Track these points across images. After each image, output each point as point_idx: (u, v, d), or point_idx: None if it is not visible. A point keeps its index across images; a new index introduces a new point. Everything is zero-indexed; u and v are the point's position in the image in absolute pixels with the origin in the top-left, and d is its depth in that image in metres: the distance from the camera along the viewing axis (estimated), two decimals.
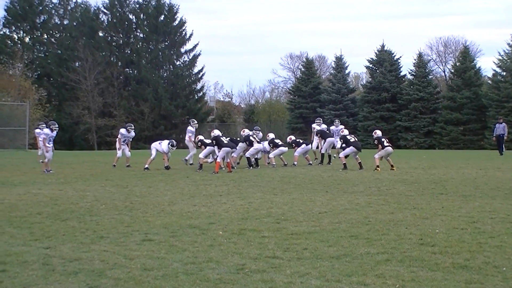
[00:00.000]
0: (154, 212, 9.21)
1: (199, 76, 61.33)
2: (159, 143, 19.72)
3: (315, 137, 21.64)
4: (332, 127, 23.32)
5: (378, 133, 18.57)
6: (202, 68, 61.09)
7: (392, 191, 11.91)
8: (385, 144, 17.95)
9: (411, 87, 49.04)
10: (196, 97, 61.46)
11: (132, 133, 21.02)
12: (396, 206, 9.63)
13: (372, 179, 14.61)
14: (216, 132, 18.79)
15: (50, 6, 59.05)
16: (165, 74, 61.40)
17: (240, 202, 10.39)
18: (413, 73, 49.77)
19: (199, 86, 62.49)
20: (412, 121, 47.66)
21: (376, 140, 18.20)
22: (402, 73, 51.73)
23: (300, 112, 54.16)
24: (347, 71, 55.38)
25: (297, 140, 21.13)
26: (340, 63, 53.93)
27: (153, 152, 19.51)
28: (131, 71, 60.56)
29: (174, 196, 11.40)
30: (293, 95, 58.22)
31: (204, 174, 16.74)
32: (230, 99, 73.42)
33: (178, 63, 60.92)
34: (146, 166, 19.04)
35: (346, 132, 19.94)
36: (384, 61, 50.61)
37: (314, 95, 54.78)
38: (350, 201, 10.28)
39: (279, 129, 58.54)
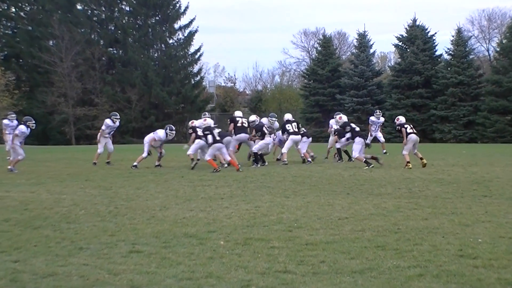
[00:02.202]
0: (143, 219, 9.22)
1: (196, 57, 61.42)
2: (154, 134, 19.70)
3: (331, 136, 21.81)
4: (372, 118, 23.39)
5: (401, 119, 18.96)
6: (200, 48, 61.24)
7: (425, 193, 11.88)
8: (408, 130, 18.14)
9: (448, 69, 48.93)
10: (193, 82, 61.56)
11: (117, 123, 21.03)
12: (431, 211, 9.60)
13: (402, 179, 14.58)
14: (209, 121, 18.94)
15: None
16: (155, 55, 61.53)
17: (245, 206, 10.38)
18: (450, 52, 49.66)
19: (196, 69, 62.68)
20: (450, 110, 47.57)
21: (398, 127, 18.45)
22: (437, 53, 51.62)
23: (316, 100, 54.18)
24: (371, 51, 55.37)
25: (263, 129, 20.08)
26: (363, 41, 53.88)
27: (146, 149, 19.52)
28: (115, 52, 60.73)
29: (167, 200, 11.41)
30: (308, 79, 58.19)
31: (203, 173, 16.75)
32: (233, 84, 73.42)
33: (171, 41, 61.06)
34: (135, 164, 19.12)
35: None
36: (416, 39, 50.51)
37: (332, 79, 54.75)
38: (376, 205, 10.25)
39: None
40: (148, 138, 19.68)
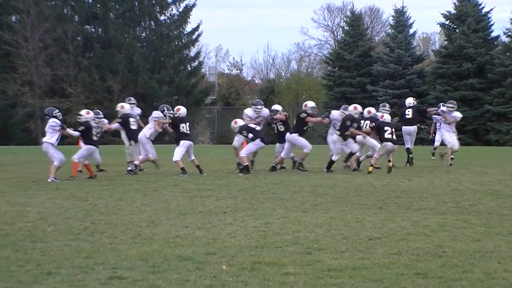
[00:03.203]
0: (126, 237, 9.23)
1: (194, 37, 61.65)
2: (151, 123, 19.92)
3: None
4: (443, 108, 22.89)
5: (373, 111, 20.22)
6: (198, 26, 61.39)
7: (477, 208, 11.84)
8: (386, 136, 18.76)
9: (507, 54, 48.82)
10: (189, 69, 61.76)
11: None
12: (484, 230, 9.57)
13: (447, 191, 14.54)
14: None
15: None
16: (143, 35, 61.73)
17: (253, 222, 10.38)
18: (510, 33, 49.48)
19: (193, 52, 62.88)
20: (509, 105, 47.44)
21: (372, 124, 19.37)
22: (493, 34, 51.49)
23: (342, 91, 54.23)
24: (411, 31, 55.28)
25: (249, 126, 19.91)
26: (401, 20, 53.87)
27: (149, 148, 19.72)
28: (93, 30, 60.89)
29: (157, 214, 11.42)
30: (332, 66, 58.25)
31: (201, 181, 16.76)
32: (239, 71, 73.49)
33: (162, 18, 61.30)
34: (137, 163, 19.52)
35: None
36: (467, 17, 50.43)
37: (362, 66, 54.78)
38: (416, 223, 10.23)
39: None
40: (144, 133, 19.85)
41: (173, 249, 8.35)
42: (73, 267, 7.42)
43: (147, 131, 19.72)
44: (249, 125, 19.67)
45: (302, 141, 19.56)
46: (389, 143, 18.74)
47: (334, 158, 19.55)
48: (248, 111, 20.73)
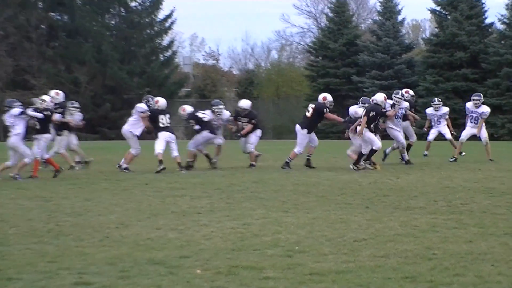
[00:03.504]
0: (94, 240, 9.20)
1: (167, 25, 61.53)
2: (137, 113, 20.00)
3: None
4: (469, 104, 22.98)
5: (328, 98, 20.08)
6: (172, 13, 61.33)
7: (470, 207, 11.89)
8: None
9: (503, 42, 49.11)
10: (162, 59, 61.68)
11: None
12: (477, 230, 9.62)
13: (438, 188, 14.61)
14: (162, 103, 19.79)
15: None
16: (112, 22, 61.53)
17: (230, 223, 10.38)
18: (505, 20, 49.75)
19: (166, 41, 62.78)
20: (504, 97, 47.76)
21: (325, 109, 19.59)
22: (487, 21, 51.79)
23: (325, 83, 54.40)
24: (400, 18, 55.50)
25: (197, 115, 20.17)
26: (389, 5, 54.11)
27: (133, 143, 19.81)
28: (59, 17, 60.61)
29: (127, 214, 11.39)
30: (315, 56, 58.32)
31: (174, 179, 16.74)
32: (215, 61, 73.46)
33: (133, 4, 61.10)
34: (125, 166, 19.50)
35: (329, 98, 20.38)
36: (459, 2, 50.66)
37: (348, 56, 54.96)
38: (404, 223, 10.26)
39: (293, 110, 58.63)
40: (129, 126, 19.91)
41: (144, 253, 8.33)
42: (36, 272, 7.38)
43: (133, 128, 19.70)
44: (198, 114, 19.80)
45: (313, 136, 19.95)
46: None
47: (363, 151, 19.13)
48: (208, 113, 20.36)
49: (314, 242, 8.87)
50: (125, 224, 10.46)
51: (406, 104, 21.09)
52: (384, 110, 19.41)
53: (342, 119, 20.85)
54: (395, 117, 20.17)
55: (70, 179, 17.46)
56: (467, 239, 9.00)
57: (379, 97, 19.66)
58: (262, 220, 10.70)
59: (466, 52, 49.17)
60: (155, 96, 20.58)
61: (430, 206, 12.09)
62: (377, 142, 18.70)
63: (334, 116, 20.57)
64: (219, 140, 20.33)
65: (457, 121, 45.93)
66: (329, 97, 20.41)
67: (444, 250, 8.29)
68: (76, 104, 21.20)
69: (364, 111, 19.08)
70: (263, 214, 11.27)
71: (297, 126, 20.01)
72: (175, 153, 19.24)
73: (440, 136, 23.14)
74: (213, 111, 20.27)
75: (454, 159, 21.89)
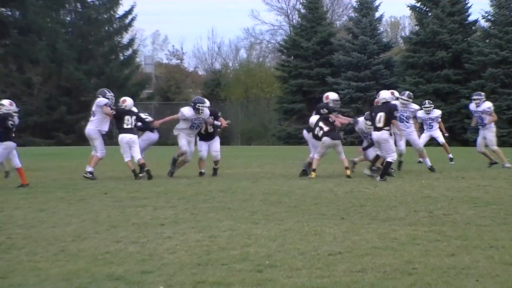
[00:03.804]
0: (48, 254, 9.14)
1: (127, 22, 61.32)
2: (97, 103, 19.95)
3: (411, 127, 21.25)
4: (472, 106, 23.15)
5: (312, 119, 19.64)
6: (132, 9, 61.24)
7: (453, 218, 11.92)
8: (324, 130, 19.03)
9: (487, 41, 49.43)
10: (122, 58, 61.55)
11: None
12: (460, 243, 9.65)
13: (419, 198, 14.63)
14: (129, 103, 19.88)
15: None
16: (68, 19, 61.25)
17: (195, 236, 10.35)
18: (489, 17, 50.10)
19: (126, 39, 62.56)
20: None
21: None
22: (471, 18, 52.10)
23: (298, 84, 54.50)
24: (377, 15, 55.75)
25: (140, 115, 20.52)
26: (366, 1, 54.26)
27: (98, 144, 19.74)
28: (9, 13, 60.16)
29: (84, 226, 11.32)
30: (287, 55, 58.40)
31: (135, 188, 16.67)
32: (179, 61, 73.40)
33: None
34: (90, 169, 19.46)
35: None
36: None
37: (322, 55, 55.10)
38: (383, 235, 10.28)
39: (263, 113, 58.71)
40: (94, 125, 19.86)
41: (103, 267, 8.29)
42: None
43: (100, 125, 19.66)
44: (141, 114, 19.98)
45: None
46: None
47: (389, 159, 18.68)
48: (186, 110, 20.01)
49: (286, 256, 8.87)
50: (82, 236, 10.40)
51: (416, 107, 21.18)
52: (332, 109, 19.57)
53: (347, 120, 20.91)
54: (400, 121, 19.87)
55: (22, 187, 17.33)
56: (449, 252, 9.03)
57: (385, 94, 19.44)
58: (229, 232, 10.67)
59: (448, 52, 49.38)
60: (115, 98, 20.46)
61: (410, 217, 12.09)
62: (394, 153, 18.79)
63: (341, 119, 20.31)
64: (155, 135, 20.48)
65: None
66: (332, 96, 20.22)
67: (425, 264, 8.31)
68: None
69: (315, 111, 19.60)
70: (230, 226, 11.24)
71: (304, 131, 20.18)
72: (137, 155, 19.23)
73: (431, 141, 23.27)
74: (196, 109, 19.91)
75: (492, 163, 22.41)
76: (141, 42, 73.84)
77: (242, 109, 61.03)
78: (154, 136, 20.44)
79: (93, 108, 19.97)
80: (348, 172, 18.96)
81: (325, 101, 19.89)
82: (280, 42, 63.90)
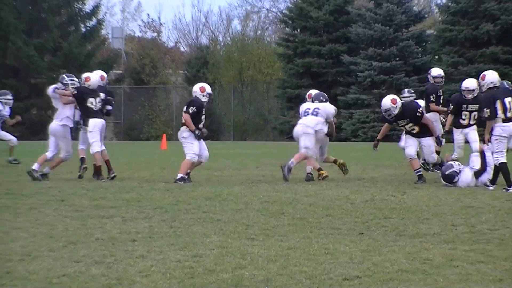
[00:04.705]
0: None
1: None
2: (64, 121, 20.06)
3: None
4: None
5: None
6: None
7: (500, 234, 11.94)
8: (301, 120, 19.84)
9: None
10: (84, 30, 61.44)
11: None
12: (509, 265, 9.67)
13: (458, 208, 14.63)
14: (93, 81, 20.14)
15: None
16: None
17: (175, 254, 10.36)
18: None
19: (89, 6, 62.53)
20: None
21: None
22: None
23: (306, 63, 54.45)
24: None
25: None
26: None
27: (65, 144, 19.97)
28: None
29: (35, 242, 11.33)
30: (292, 28, 58.36)
31: (100, 195, 16.65)
32: (156, 34, 73.37)
33: None
34: (48, 171, 19.81)
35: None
36: None
37: (336, 28, 55.06)
38: (412, 255, 10.30)
39: (261, 101, 58.72)
40: (59, 120, 20.01)
41: None
42: None
43: (66, 119, 19.84)
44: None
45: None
46: None
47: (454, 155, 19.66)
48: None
49: (289, 281, 8.89)
50: (32, 255, 10.41)
51: (422, 103, 21.37)
52: None
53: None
54: None
55: None
56: (495, 277, 9.06)
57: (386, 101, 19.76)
58: (219, 250, 10.67)
59: (496, 24, 49.22)
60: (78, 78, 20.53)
61: (447, 233, 12.11)
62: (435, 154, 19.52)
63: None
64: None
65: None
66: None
67: None
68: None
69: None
70: (220, 243, 11.25)
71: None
72: (103, 146, 19.46)
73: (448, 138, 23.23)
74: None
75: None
76: (108, 10, 74.11)
77: (235, 95, 61.03)
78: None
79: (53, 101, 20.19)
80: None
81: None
82: (284, 11, 63.99)
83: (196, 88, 19.72)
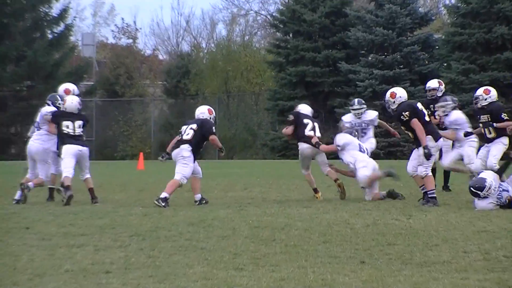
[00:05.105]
0: None
1: None
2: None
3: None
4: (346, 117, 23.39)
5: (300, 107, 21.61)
6: None
7: None
8: (306, 133, 20.35)
9: None
10: (51, 37, 61.55)
11: None
12: None
13: (470, 233, 14.64)
14: (69, 104, 20.04)
15: None
16: None
17: (154, 287, 10.34)
18: None
19: (56, 9, 62.62)
20: None
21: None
22: None
23: (299, 73, 54.61)
24: None
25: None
26: None
27: (41, 167, 20.14)
28: None
29: None
30: (284, 32, 58.52)
31: (69, 221, 16.66)
32: (132, 41, 73.55)
33: None
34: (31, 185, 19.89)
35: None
36: None
37: (333, 32, 55.23)
38: (419, 285, 10.27)
39: (249, 114, 58.88)
40: (41, 142, 20.30)
41: None
42: None
43: (49, 142, 20.23)
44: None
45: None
46: None
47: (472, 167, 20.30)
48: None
49: None
50: None
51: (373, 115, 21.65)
52: None
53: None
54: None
55: None
56: None
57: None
58: (203, 282, 10.66)
59: (511, 27, 49.40)
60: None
61: (458, 260, 12.11)
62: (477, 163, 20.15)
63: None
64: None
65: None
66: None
67: None
68: None
69: None
70: (204, 274, 11.23)
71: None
72: (86, 174, 19.69)
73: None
74: None
75: None
76: (78, 14, 74.19)
77: (220, 107, 61.10)
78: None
79: (38, 118, 20.21)
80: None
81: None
82: (274, 14, 64.13)
83: (204, 109, 21.24)
